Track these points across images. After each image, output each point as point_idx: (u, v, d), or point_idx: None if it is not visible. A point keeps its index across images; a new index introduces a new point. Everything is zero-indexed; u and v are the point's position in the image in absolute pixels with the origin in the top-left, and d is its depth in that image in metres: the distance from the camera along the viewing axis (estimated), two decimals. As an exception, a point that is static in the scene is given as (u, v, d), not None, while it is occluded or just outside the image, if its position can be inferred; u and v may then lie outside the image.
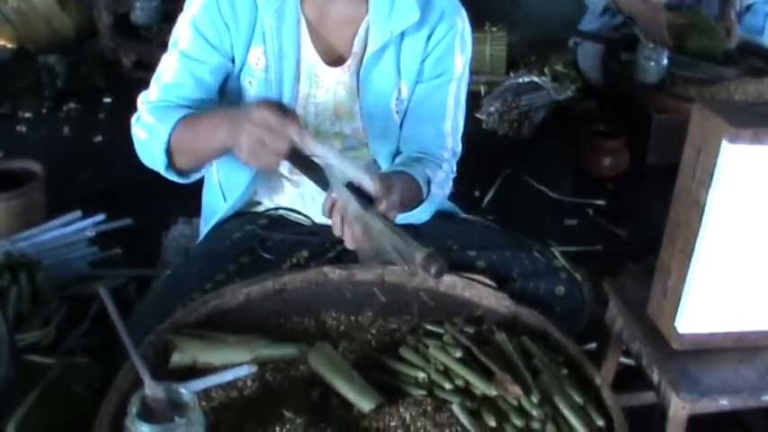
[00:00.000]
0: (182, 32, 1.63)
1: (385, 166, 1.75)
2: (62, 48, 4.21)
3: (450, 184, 1.77)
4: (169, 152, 1.55)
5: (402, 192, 1.44)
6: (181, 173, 1.61)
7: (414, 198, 1.60)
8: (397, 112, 1.71)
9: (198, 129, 1.51)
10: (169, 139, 1.53)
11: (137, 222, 2.71)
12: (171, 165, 1.57)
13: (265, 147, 1.33)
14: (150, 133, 1.57)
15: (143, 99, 1.64)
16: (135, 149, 1.63)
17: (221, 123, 1.44)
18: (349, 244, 1.39)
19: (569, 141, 3.49)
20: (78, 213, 2.66)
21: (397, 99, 1.69)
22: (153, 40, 3.46)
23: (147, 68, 3.66)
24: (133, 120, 1.64)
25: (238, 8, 1.59)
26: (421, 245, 1.29)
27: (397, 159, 1.72)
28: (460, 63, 1.72)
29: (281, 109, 1.36)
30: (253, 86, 1.67)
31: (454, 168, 1.78)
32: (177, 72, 1.62)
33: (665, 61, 3.37)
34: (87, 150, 3.48)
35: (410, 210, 1.60)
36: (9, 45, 4.40)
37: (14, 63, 4.29)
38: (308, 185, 1.67)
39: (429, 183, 1.64)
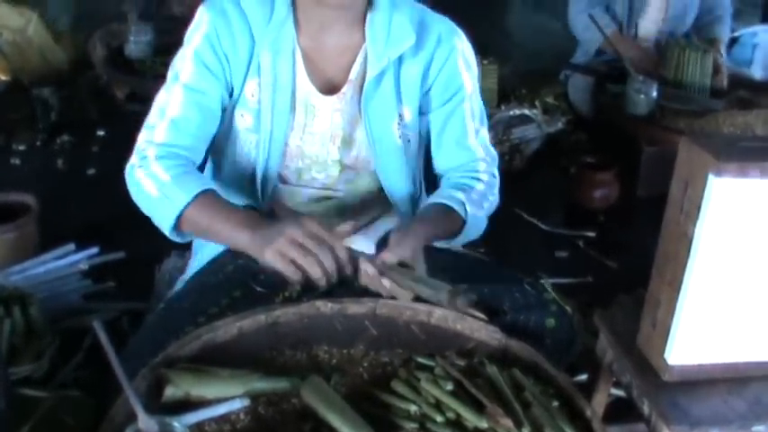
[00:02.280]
0: (183, 65, 1.64)
1: (396, 192, 1.78)
2: (56, 80, 4.23)
3: (496, 191, 1.83)
4: (179, 219, 1.56)
5: (426, 232, 1.57)
6: (184, 235, 1.62)
7: (450, 225, 1.67)
8: (401, 137, 1.73)
9: (216, 218, 1.53)
10: (183, 211, 1.54)
11: (129, 255, 2.71)
12: (176, 227, 1.58)
13: (309, 256, 1.38)
14: (163, 193, 1.56)
15: (147, 137, 1.63)
16: (127, 185, 1.62)
17: (242, 231, 1.48)
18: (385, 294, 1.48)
19: (560, 173, 3.53)
20: (72, 246, 2.67)
21: (399, 124, 1.72)
22: (146, 73, 3.48)
23: (140, 101, 3.69)
24: (135, 159, 1.62)
25: (238, 41, 1.62)
26: (443, 283, 1.41)
27: (436, 191, 1.78)
28: (469, 81, 1.76)
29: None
30: (245, 119, 1.68)
31: (495, 173, 1.84)
32: (183, 105, 1.62)
33: (655, 94, 3.40)
34: (80, 183, 3.50)
35: (452, 237, 1.69)
36: (3, 77, 4.41)
37: (8, 95, 4.29)
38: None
39: (464, 205, 1.68)
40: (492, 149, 1.83)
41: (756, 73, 4.24)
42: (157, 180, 1.57)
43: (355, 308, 1.53)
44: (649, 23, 3.89)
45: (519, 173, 3.69)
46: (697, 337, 1.41)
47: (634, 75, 3.44)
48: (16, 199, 2.77)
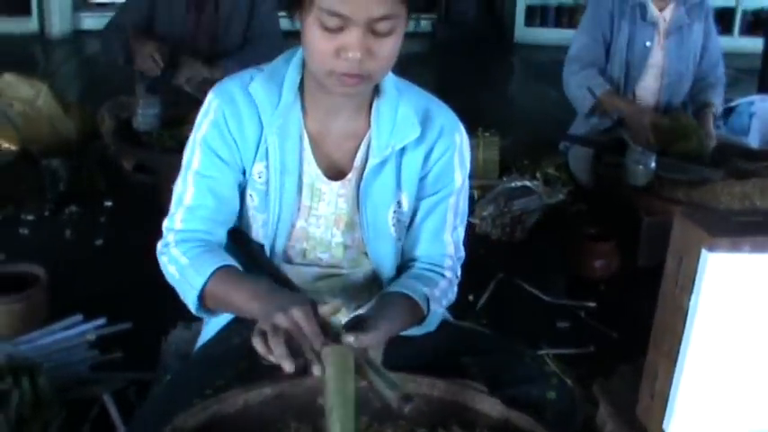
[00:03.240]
0: (193, 153, 1.68)
1: (385, 273, 1.79)
2: (65, 151, 4.28)
3: (455, 289, 1.81)
4: (202, 298, 1.61)
5: (392, 324, 1.54)
6: (213, 312, 1.67)
7: (412, 319, 1.66)
8: (394, 224, 1.74)
9: (231, 292, 1.57)
10: (202, 290, 1.59)
11: (136, 326, 2.73)
12: (202, 306, 1.63)
13: (279, 347, 1.37)
14: (183, 276, 1.62)
15: (169, 224, 1.69)
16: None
17: (253, 304, 1.50)
18: None
19: (561, 244, 3.54)
20: (79, 317, 2.69)
21: (395, 211, 1.73)
22: (154, 145, 3.52)
23: (147, 173, 3.74)
24: (160, 246, 1.69)
25: (245, 125, 1.65)
26: (397, 383, 1.35)
27: (401, 276, 1.77)
28: (460, 177, 1.77)
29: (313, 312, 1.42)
30: (254, 200, 1.72)
31: (458, 272, 1.81)
32: (195, 193, 1.67)
33: (653, 164, 3.43)
34: (88, 253, 3.53)
35: (410, 328, 1.67)
36: (13, 147, 4.46)
37: (18, 165, 4.32)
38: (308, 293, 1.72)
39: (428, 300, 1.68)
40: (462, 249, 1.83)
41: (753, 142, 4.26)
42: (178, 264, 1.64)
43: (359, 381, 1.55)
44: (646, 92, 3.95)
45: (520, 244, 3.72)
46: (695, 408, 1.42)
47: (633, 146, 3.46)
48: (25, 269, 2.80)
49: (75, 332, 2.63)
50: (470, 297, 3.11)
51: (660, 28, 3.86)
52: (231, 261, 1.64)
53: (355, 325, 1.47)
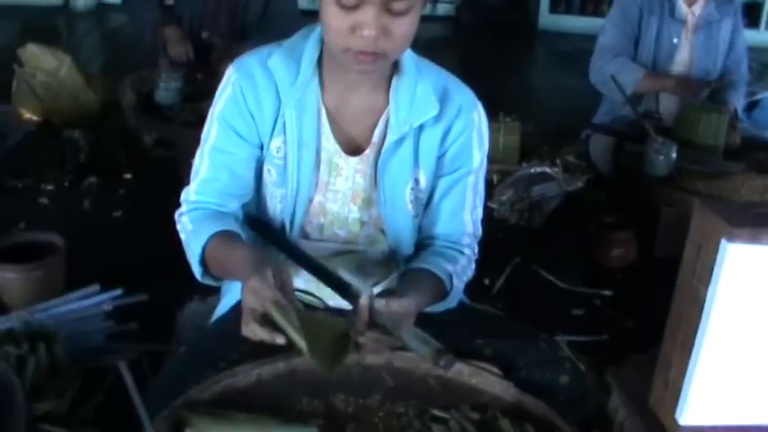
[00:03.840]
0: (211, 127, 1.71)
1: (402, 251, 1.81)
2: (86, 122, 4.30)
3: (473, 266, 1.83)
4: (203, 263, 1.66)
5: (421, 297, 1.58)
6: (217, 278, 1.71)
7: (437, 295, 1.70)
8: (412, 201, 1.75)
9: (227, 259, 1.61)
10: (202, 255, 1.64)
11: (152, 298, 2.74)
12: (207, 272, 1.68)
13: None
14: (187, 242, 1.69)
15: (185, 196, 1.74)
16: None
17: (242, 269, 1.52)
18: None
19: (579, 232, 3.53)
20: (96, 287, 2.70)
21: (413, 189, 1.74)
22: (174, 119, 3.53)
23: (167, 147, 3.76)
24: (177, 214, 1.75)
25: (263, 100, 1.66)
26: (433, 340, 1.40)
27: (422, 253, 1.79)
28: (478, 156, 1.78)
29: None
30: (272, 175, 1.73)
31: (476, 250, 1.83)
32: (210, 167, 1.70)
33: (674, 155, 3.41)
34: (106, 225, 3.55)
35: (434, 304, 1.70)
36: (35, 118, 4.50)
37: (39, 136, 4.39)
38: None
39: (451, 277, 1.72)
40: (480, 228, 1.84)
41: (776, 136, 4.24)
42: (185, 231, 1.70)
43: (373, 358, 1.56)
44: None
45: (538, 230, 3.72)
46: (708, 399, 1.42)
47: (653, 136, 3.45)
48: (44, 238, 2.81)
49: (91, 302, 2.64)
50: (486, 281, 3.11)
51: (688, 24, 3.84)
52: (233, 227, 1.67)
53: (386, 294, 1.52)
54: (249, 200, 1.78)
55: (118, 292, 2.72)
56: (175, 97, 3.65)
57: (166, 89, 3.72)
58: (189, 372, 1.55)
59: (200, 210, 1.71)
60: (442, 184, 1.78)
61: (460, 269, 1.76)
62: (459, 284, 1.75)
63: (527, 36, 8.44)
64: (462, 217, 1.80)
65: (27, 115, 4.51)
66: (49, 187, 3.86)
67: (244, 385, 1.49)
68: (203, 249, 1.64)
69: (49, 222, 3.25)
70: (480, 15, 8.55)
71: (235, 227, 1.68)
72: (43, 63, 4.47)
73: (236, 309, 1.79)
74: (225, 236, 1.64)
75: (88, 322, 2.57)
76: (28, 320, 2.38)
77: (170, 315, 2.51)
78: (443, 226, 1.80)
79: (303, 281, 1.83)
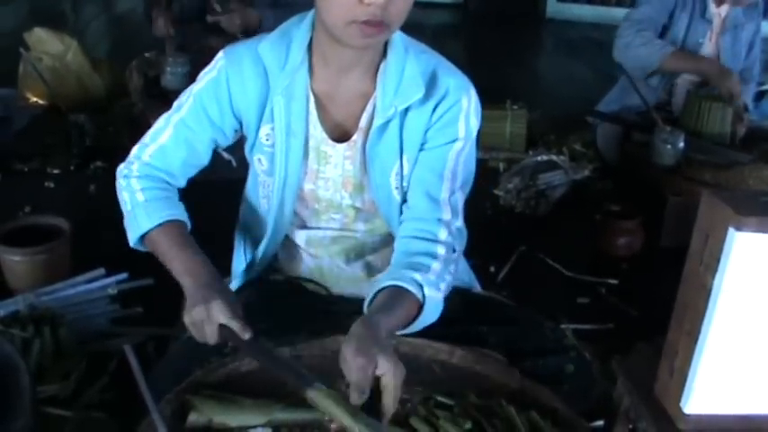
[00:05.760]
0: (185, 101, 1.71)
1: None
2: (92, 106, 4.31)
3: (452, 268, 1.65)
4: (142, 238, 1.66)
5: (389, 325, 1.46)
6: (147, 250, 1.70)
7: (409, 314, 1.54)
8: (397, 188, 1.71)
9: (170, 253, 1.61)
10: (145, 234, 1.64)
11: (158, 282, 2.74)
12: (141, 243, 1.68)
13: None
14: (133, 211, 1.66)
15: (138, 152, 1.72)
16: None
17: (186, 278, 1.56)
18: None
19: (585, 220, 3.53)
20: (102, 271, 2.71)
21: (398, 174, 1.70)
22: (181, 104, 3.54)
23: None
24: (122, 167, 1.73)
25: (249, 88, 1.65)
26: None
27: (392, 264, 1.65)
28: (462, 139, 1.69)
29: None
30: (262, 164, 1.73)
31: (456, 247, 1.67)
32: (173, 137, 1.70)
33: (682, 144, 3.40)
34: (112, 208, 3.51)
35: (410, 324, 1.56)
36: (41, 102, 4.50)
37: (45, 120, 4.38)
38: (326, 258, 1.74)
39: (421, 287, 1.55)
40: (460, 218, 1.70)
41: (785, 127, 4.22)
42: (133, 198, 1.67)
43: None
44: (693, 86, 3.90)
45: (543, 218, 3.71)
46: (713, 388, 1.42)
47: (661, 125, 3.44)
48: (49, 222, 2.82)
49: (97, 285, 2.65)
50: (492, 268, 3.10)
51: (715, 25, 3.82)
52: (182, 215, 1.67)
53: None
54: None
55: (123, 275, 2.73)
56: (182, 81, 3.65)
57: (173, 73, 3.72)
58: (194, 356, 1.56)
59: (152, 178, 1.69)
60: (421, 157, 1.69)
61: (435, 277, 1.58)
62: (434, 294, 1.56)
63: (535, 24, 8.41)
64: (438, 198, 1.67)
65: (33, 99, 4.51)
66: (55, 171, 3.86)
67: (249, 369, 1.49)
68: (151, 229, 1.63)
69: (55, 206, 3.24)
70: (488, 3, 8.52)
71: (185, 216, 1.68)
72: (50, 47, 4.47)
73: (241, 293, 1.80)
74: (175, 227, 1.64)
75: (93, 306, 2.58)
76: (33, 303, 2.39)
77: (175, 299, 2.49)
78: (415, 206, 1.68)
79: (308, 269, 1.83)
